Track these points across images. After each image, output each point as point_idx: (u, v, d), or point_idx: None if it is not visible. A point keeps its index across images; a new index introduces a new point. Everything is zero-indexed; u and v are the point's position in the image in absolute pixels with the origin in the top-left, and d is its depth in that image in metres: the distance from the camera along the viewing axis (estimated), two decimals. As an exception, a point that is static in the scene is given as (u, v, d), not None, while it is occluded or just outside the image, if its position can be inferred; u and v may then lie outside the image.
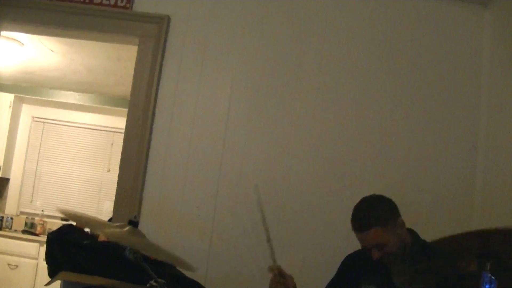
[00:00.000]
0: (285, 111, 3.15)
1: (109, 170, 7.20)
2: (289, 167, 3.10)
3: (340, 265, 2.51)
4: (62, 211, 1.93)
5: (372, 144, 3.13)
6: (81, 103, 7.05)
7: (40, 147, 7.34)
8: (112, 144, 7.27)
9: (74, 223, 2.51)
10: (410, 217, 2.31)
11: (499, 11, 3.14)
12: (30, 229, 6.79)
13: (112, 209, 3.22)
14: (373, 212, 2.20)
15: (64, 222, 6.87)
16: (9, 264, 6.39)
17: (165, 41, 3.20)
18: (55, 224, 6.67)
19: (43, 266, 2.92)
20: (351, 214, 2.28)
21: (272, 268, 2.34)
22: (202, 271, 2.91)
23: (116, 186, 3.15)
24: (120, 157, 3.17)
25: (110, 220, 3.53)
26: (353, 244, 2.56)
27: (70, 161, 7.28)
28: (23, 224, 6.87)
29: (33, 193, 7.24)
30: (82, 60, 5.63)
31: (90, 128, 7.36)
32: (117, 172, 3.15)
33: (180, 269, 2.39)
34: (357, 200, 3.02)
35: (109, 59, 5.47)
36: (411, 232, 2.32)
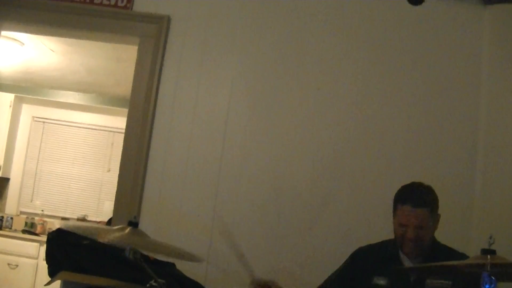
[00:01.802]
0: (285, 111, 3.15)
1: (109, 170, 7.21)
2: (289, 167, 3.10)
3: (351, 258, 2.51)
4: (64, 225, 1.95)
5: (372, 144, 3.13)
6: (81, 103, 7.06)
7: (40, 147, 7.34)
8: (112, 144, 7.27)
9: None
10: (409, 217, 2.31)
11: (498, 11, 3.14)
12: (30, 229, 6.79)
13: (112, 209, 3.23)
14: (430, 195, 2.33)
15: (64, 222, 6.89)
16: (9, 264, 6.39)
17: (165, 41, 3.20)
18: (55, 223, 6.68)
19: (43, 266, 2.93)
20: (405, 188, 2.35)
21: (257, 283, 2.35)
22: (202, 271, 2.92)
23: (116, 186, 3.16)
24: (120, 157, 3.18)
25: (110, 220, 3.54)
26: (353, 244, 2.57)
27: (70, 161, 7.28)
28: (23, 223, 6.88)
29: (33, 193, 7.25)
30: (82, 60, 5.63)
31: (90, 128, 7.36)
32: (117, 172, 3.16)
33: (186, 262, 2.38)
34: (357, 199, 3.04)
35: (109, 60, 5.47)
36: None
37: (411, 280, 2.28)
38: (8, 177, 7.15)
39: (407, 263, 2.33)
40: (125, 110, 3.33)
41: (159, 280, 1.87)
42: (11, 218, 6.95)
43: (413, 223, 2.24)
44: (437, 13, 3.24)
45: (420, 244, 2.26)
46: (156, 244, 2.03)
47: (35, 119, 7.39)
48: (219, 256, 3.02)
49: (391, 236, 2.38)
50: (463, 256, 2.28)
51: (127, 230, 1.88)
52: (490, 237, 1.71)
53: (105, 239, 1.78)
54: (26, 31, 4.11)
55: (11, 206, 7.13)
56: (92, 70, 5.98)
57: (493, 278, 1.60)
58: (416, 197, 2.27)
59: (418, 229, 2.24)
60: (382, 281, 2.32)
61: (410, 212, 2.26)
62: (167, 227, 3.04)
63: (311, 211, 3.06)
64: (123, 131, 3.23)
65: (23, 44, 5.22)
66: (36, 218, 6.99)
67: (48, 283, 2.34)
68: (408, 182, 2.38)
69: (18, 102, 7.19)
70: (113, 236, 1.82)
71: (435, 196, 2.34)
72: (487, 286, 1.60)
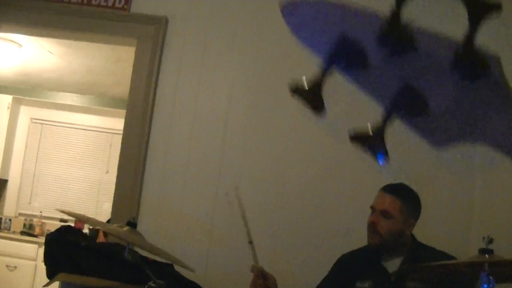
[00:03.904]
0: (285, 111, 3.15)
1: (107, 171, 7.20)
2: (289, 166, 3.10)
3: (335, 265, 2.52)
4: (64, 212, 1.96)
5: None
6: (80, 104, 7.05)
7: (38, 148, 7.33)
8: (110, 145, 7.26)
9: (72, 224, 2.52)
10: (409, 217, 2.31)
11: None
12: (28, 231, 6.78)
13: (111, 210, 3.23)
14: (410, 194, 2.37)
15: (63, 223, 6.89)
16: (7, 266, 6.38)
17: (163, 42, 3.19)
18: (54, 225, 6.66)
19: (42, 267, 2.92)
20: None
21: (254, 268, 2.37)
22: (201, 271, 2.91)
23: (114, 187, 3.16)
24: (118, 158, 3.17)
25: (108, 221, 3.54)
26: (353, 243, 2.56)
27: (68, 162, 7.27)
28: (22, 225, 6.86)
29: (31, 194, 7.24)
30: (80, 61, 5.62)
31: (89, 130, 7.35)
32: (116, 173, 3.16)
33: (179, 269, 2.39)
34: (357, 199, 3.04)
35: (107, 61, 5.47)
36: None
37: (392, 281, 2.29)
38: (6, 178, 7.14)
39: (387, 265, 2.33)
40: (124, 112, 3.32)
41: (158, 281, 1.87)
42: (10, 220, 6.94)
43: (379, 206, 2.30)
44: (437, 12, 3.24)
45: (379, 231, 2.28)
46: (151, 246, 2.03)
47: (33, 120, 7.38)
48: (218, 257, 3.02)
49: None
50: (444, 254, 2.29)
51: (126, 228, 1.88)
52: (488, 237, 1.71)
53: (103, 228, 1.79)
54: (24, 33, 4.11)
55: (9, 207, 7.13)
56: (90, 71, 5.97)
57: (491, 278, 1.60)
58: (394, 187, 2.35)
59: (382, 215, 2.28)
60: (364, 285, 2.32)
61: (381, 196, 2.34)
62: (166, 228, 3.03)
63: (311, 211, 3.06)
64: (122, 132, 3.23)
65: (21, 45, 5.21)
66: (35, 219, 6.97)
67: (47, 285, 2.34)
68: (408, 182, 2.39)
69: (16, 103, 7.18)
70: (111, 227, 1.83)
71: (414, 199, 2.37)
72: (485, 286, 1.60)
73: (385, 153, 1.08)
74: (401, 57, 1.10)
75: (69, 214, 2.05)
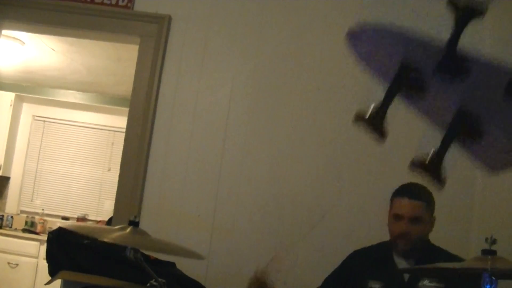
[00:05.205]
0: (285, 111, 3.15)
1: (109, 170, 7.20)
2: (289, 167, 3.10)
3: (345, 260, 2.52)
4: (65, 226, 1.98)
5: (371, 144, 3.12)
6: (82, 102, 7.05)
7: (40, 146, 7.34)
8: (112, 143, 7.27)
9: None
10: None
11: (499, 11, 3.13)
12: (30, 228, 6.79)
13: (113, 208, 3.23)
14: (427, 193, 2.34)
15: (65, 221, 6.90)
16: (9, 263, 6.39)
17: (166, 40, 3.20)
18: (56, 223, 6.68)
19: (43, 265, 2.94)
20: (404, 184, 2.38)
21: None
22: (202, 271, 2.92)
23: (116, 186, 3.16)
24: (120, 156, 3.18)
25: (110, 219, 3.55)
26: (353, 244, 2.57)
27: (70, 160, 7.28)
28: (24, 223, 6.87)
29: (33, 192, 7.24)
30: (82, 59, 5.63)
31: (91, 127, 7.35)
32: (118, 172, 3.16)
33: (186, 261, 2.38)
34: (357, 200, 3.04)
35: (109, 59, 5.47)
36: None
37: (406, 282, 2.28)
38: (8, 176, 7.15)
39: (400, 265, 2.33)
40: (126, 110, 3.34)
41: (160, 279, 1.87)
42: (11, 217, 6.95)
43: (408, 214, 2.28)
44: (437, 12, 3.24)
45: (411, 239, 2.28)
46: (158, 242, 2.03)
47: (36, 118, 7.38)
48: (219, 255, 3.03)
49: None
50: (456, 258, 2.29)
51: (128, 229, 1.88)
52: (491, 237, 1.71)
53: (108, 239, 1.78)
54: (27, 30, 4.11)
55: (11, 205, 7.13)
56: (92, 70, 5.97)
57: (494, 278, 1.60)
58: (413, 191, 2.32)
59: (411, 222, 2.27)
60: (377, 285, 2.32)
61: (406, 204, 2.30)
62: (167, 226, 3.04)
63: (312, 211, 3.06)
64: (124, 130, 3.23)
65: (24, 43, 5.22)
66: (37, 217, 6.99)
67: (48, 282, 2.34)
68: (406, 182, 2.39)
69: (19, 101, 7.18)
70: (115, 235, 1.83)
71: (431, 195, 2.36)
72: (487, 286, 1.60)
73: (442, 179, 1.18)
74: (457, 84, 1.16)
75: (71, 228, 2.06)
